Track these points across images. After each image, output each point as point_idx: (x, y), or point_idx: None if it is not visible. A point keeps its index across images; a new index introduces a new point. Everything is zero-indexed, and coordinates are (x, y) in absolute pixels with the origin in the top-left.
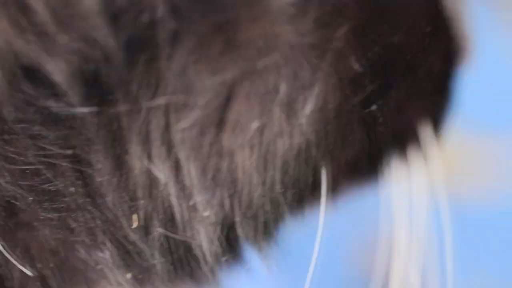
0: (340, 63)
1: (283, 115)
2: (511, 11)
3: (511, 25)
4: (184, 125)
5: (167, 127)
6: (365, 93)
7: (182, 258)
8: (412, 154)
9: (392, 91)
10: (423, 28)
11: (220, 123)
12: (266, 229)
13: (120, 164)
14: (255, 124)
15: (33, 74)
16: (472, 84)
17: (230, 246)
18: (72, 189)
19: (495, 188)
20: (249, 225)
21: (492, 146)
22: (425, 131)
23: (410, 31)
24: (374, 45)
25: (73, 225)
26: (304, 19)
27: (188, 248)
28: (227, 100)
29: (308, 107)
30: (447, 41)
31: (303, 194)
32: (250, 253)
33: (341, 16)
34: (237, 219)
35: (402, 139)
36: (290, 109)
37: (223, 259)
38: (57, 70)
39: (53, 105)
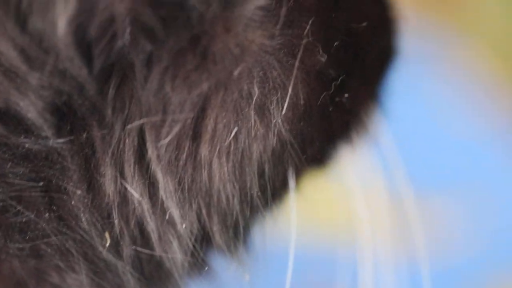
0: (308, 57)
1: (257, 118)
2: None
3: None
4: (162, 143)
5: (141, 146)
6: (332, 83)
7: (153, 273)
8: (363, 138)
9: (354, 78)
10: (374, 10)
11: (197, 135)
12: (245, 236)
13: (94, 185)
14: (232, 131)
15: (3, 113)
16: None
17: (204, 258)
18: (46, 215)
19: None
20: (228, 233)
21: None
22: (373, 114)
23: (366, 15)
24: (338, 34)
25: (46, 250)
26: (273, 21)
27: (159, 263)
28: (203, 111)
29: (281, 107)
30: (390, 24)
31: (278, 193)
32: (223, 263)
33: (304, 13)
34: (215, 228)
35: (355, 124)
36: (265, 111)
37: (195, 271)
38: (29, 107)
39: (26, 141)
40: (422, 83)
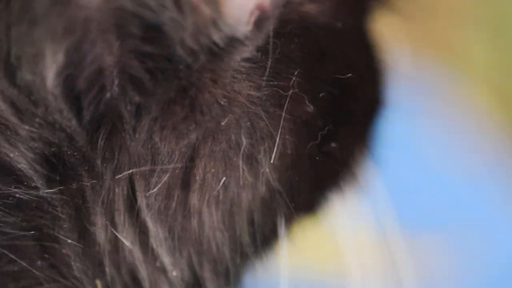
0: (295, 108)
1: (246, 167)
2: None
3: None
4: (151, 192)
5: (131, 195)
6: (319, 133)
7: None
8: (352, 184)
9: (341, 128)
10: (360, 61)
11: (186, 184)
12: (236, 283)
13: (85, 234)
14: (221, 180)
15: None
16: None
17: None
18: (38, 263)
19: None
20: (219, 280)
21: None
22: (362, 162)
23: (352, 66)
24: (324, 85)
25: None
26: (260, 72)
27: None
28: (192, 160)
29: (269, 156)
30: (376, 74)
31: (268, 241)
32: None
33: (290, 64)
34: (206, 275)
35: (343, 172)
36: (253, 161)
37: None
38: (19, 158)
39: (16, 191)
40: (412, 125)
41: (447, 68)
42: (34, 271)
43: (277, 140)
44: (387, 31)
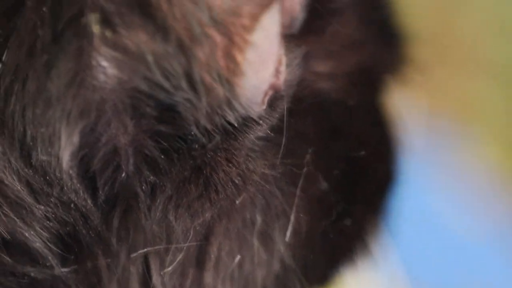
0: (309, 185)
1: (261, 245)
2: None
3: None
4: (166, 270)
5: (146, 273)
6: (333, 210)
7: None
8: (367, 259)
9: (355, 204)
10: (373, 138)
11: (200, 263)
12: None
13: None
14: (235, 259)
15: (9, 243)
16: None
17: None
18: None
19: None
20: None
21: None
22: (377, 237)
23: (365, 143)
24: (337, 162)
25: None
26: (274, 150)
27: None
28: (207, 239)
29: (283, 234)
30: (390, 150)
31: None
32: None
33: (304, 142)
34: None
35: (357, 248)
36: (267, 238)
37: None
38: (35, 238)
39: (31, 270)
40: (425, 195)
41: (460, 127)
42: None
43: (292, 218)
44: (401, 105)
